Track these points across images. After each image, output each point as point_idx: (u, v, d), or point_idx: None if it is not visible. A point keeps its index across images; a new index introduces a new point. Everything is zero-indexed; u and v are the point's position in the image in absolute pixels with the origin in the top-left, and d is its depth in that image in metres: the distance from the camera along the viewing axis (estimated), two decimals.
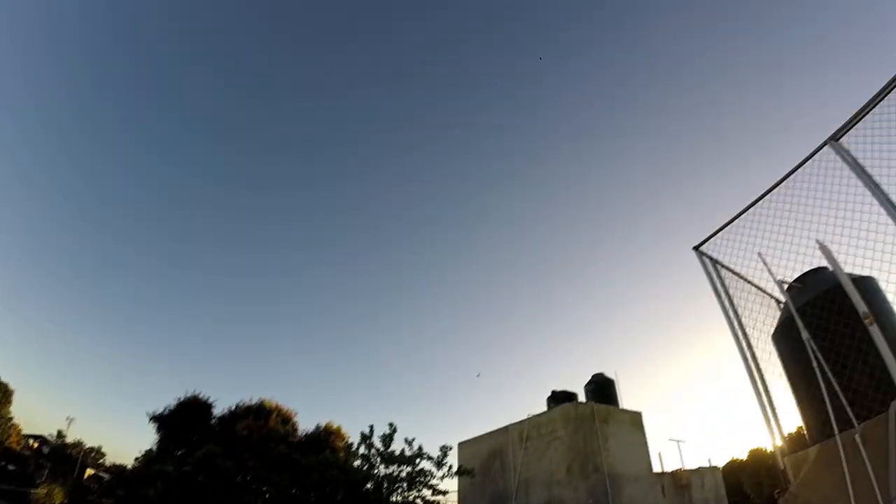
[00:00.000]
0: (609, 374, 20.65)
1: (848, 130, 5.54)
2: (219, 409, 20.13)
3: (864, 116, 5.29)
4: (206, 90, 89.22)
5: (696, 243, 7.70)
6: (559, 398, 20.28)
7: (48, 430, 52.10)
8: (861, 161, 5.28)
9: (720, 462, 23.77)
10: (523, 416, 19.84)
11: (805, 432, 5.78)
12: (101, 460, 53.40)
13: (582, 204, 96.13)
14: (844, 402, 5.06)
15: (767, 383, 6.38)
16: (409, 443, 15.01)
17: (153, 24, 79.76)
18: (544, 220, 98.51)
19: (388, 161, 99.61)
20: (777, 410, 6.04)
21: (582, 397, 20.17)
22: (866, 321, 4.98)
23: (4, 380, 41.05)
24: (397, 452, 14.81)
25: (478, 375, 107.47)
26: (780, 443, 5.69)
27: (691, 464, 20.03)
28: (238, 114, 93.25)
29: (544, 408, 20.19)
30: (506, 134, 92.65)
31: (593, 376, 20.65)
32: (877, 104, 5.12)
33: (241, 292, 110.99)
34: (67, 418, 69.70)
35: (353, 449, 15.18)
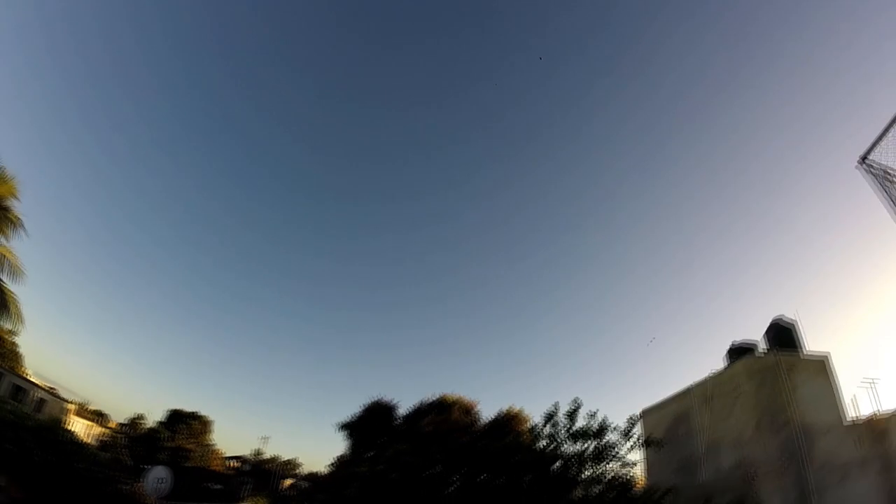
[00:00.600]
0: (788, 317, 18.91)
1: None
2: (402, 410, 21.74)
3: None
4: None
5: (860, 156, 6.75)
6: (739, 352, 19.17)
7: (246, 451, 60.15)
8: None
9: None
10: (704, 376, 19.09)
11: None
12: (296, 471, 59.90)
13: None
14: None
15: None
16: (593, 416, 14.86)
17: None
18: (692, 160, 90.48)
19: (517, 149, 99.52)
20: None
21: (762, 347, 18.79)
22: None
23: (204, 413, 48.92)
24: (582, 428, 14.75)
25: (651, 340, 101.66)
26: None
27: (889, 406, 17.50)
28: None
29: (724, 364, 19.22)
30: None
31: (772, 322, 19.11)
32: None
33: (406, 300, 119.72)
34: (262, 437, 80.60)
35: (538, 430, 15.59)
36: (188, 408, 48.12)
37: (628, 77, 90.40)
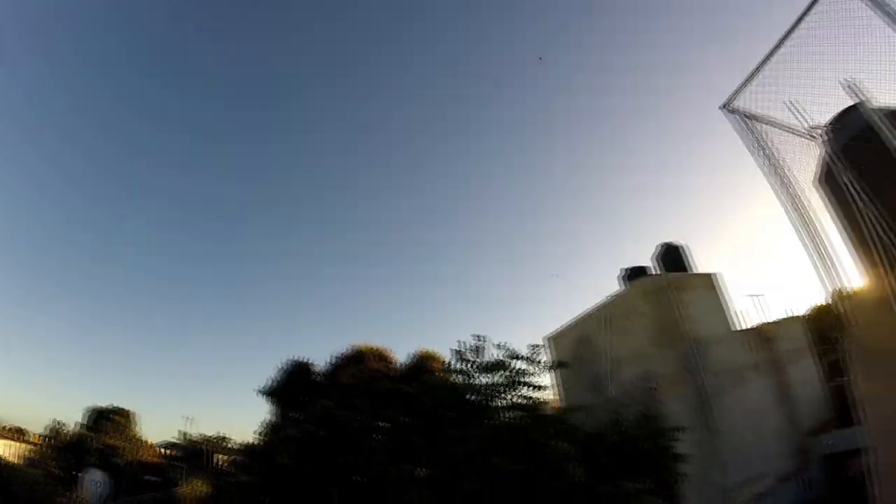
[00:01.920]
0: (676, 241, 20.54)
1: None
2: (318, 367, 21.51)
3: None
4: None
5: (722, 103, 7.46)
6: (632, 274, 20.50)
7: (171, 435, 57.67)
8: None
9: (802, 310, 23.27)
10: (602, 299, 20.29)
11: (865, 277, 5.82)
12: (227, 445, 58.62)
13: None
14: (890, 242, 5.05)
15: (818, 229, 6.29)
16: (500, 347, 15.50)
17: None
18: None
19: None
20: (832, 257, 6.02)
21: (654, 269, 20.28)
22: None
23: (125, 406, 46.07)
24: (485, 359, 15.11)
25: (554, 275, 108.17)
26: (836, 287, 5.75)
27: (773, 317, 19.98)
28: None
29: (620, 288, 20.53)
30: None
31: (661, 245, 20.60)
32: None
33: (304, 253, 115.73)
34: (187, 418, 77.06)
35: (451, 367, 15.90)
36: (100, 402, 44.87)
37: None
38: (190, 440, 56.61)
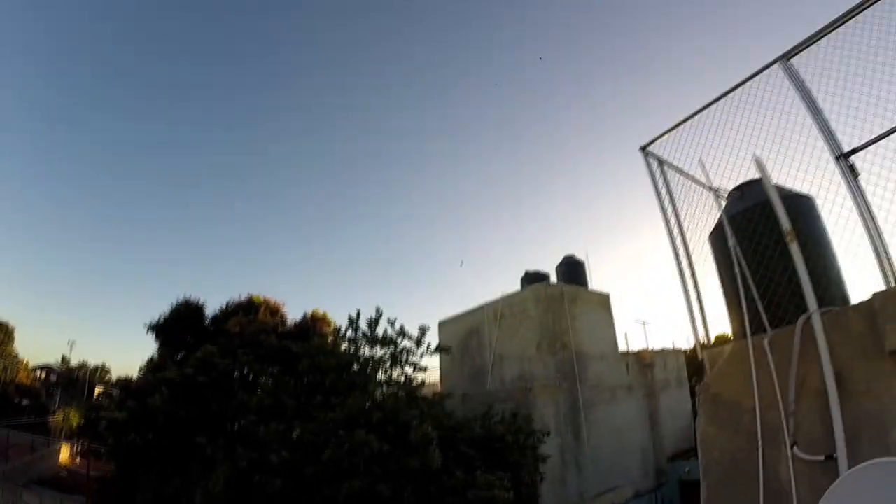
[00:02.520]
0: (580, 256, 21.55)
1: (800, 51, 5.51)
2: (210, 310, 20.78)
3: (818, 40, 5.26)
4: None
5: (643, 144, 7.84)
6: (532, 279, 21.27)
7: (52, 358, 53.30)
8: (808, 84, 5.33)
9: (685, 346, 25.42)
10: (498, 296, 20.92)
11: (731, 333, 6.41)
12: (107, 377, 55.18)
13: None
14: (761, 308, 5.57)
15: (699, 281, 6.83)
16: (392, 323, 15.57)
17: None
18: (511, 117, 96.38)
19: None
20: (705, 308, 6.60)
21: (554, 278, 21.18)
22: (787, 238, 5.30)
23: (3, 319, 41.78)
24: (377, 333, 15.38)
25: (461, 264, 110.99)
26: (702, 337, 6.29)
27: (656, 346, 21.67)
28: None
29: (518, 289, 21.25)
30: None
31: (564, 258, 21.55)
32: (834, 29, 5.10)
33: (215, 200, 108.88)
34: (69, 342, 71.06)
35: (341, 334, 15.87)
36: None
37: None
38: (69, 367, 52.44)
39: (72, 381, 48.27)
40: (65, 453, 28.22)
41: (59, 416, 34.47)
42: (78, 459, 28.56)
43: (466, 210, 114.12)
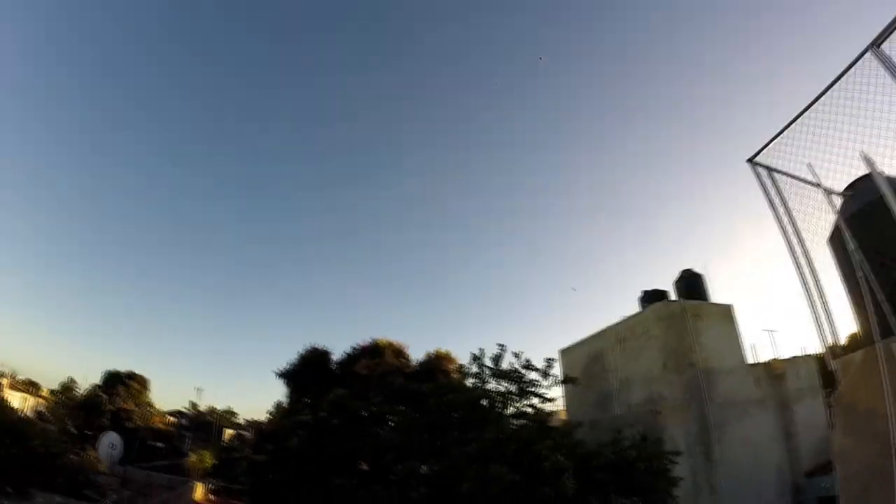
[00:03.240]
0: (698, 269, 20.58)
1: (888, 36, 5.37)
2: (336, 356, 22.23)
3: None
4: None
5: (749, 156, 7.74)
6: (651, 297, 20.62)
7: (182, 405, 59.04)
8: None
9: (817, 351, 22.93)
10: (618, 319, 20.47)
11: (860, 337, 6.09)
12: (234, 420, 59.83)
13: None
14: (888, 311, 5.32)
15: (822, 286, 6.55)
16: (518, 356, 15.79)
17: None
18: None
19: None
20: (832, 314, 6.30)
21: (673, 295, 20.37)
22: None
23: (140, 371, 47.71)
24: (501, 367, 15.67)
25: (574, 290, 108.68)
26: (829, 343, 6.03)
27: (786, 354, 19.89)
28: None
29: (637, 309, 20.67)
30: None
31: (682, 272, 20.71)
32: None
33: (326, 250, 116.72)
34: (196, 389, 78.58)
35: (467, 370, 16.36)
36: (115, 365, 46.72)
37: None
38: (199, 411, 58.03)
39: (201, 424, 52.49)
40: (200, 491, 30.73)
41: (193, 458, 37.59)
42: (212, 497, 31.13)
43: (577, 234, 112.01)
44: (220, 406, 61.47)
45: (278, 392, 21.96)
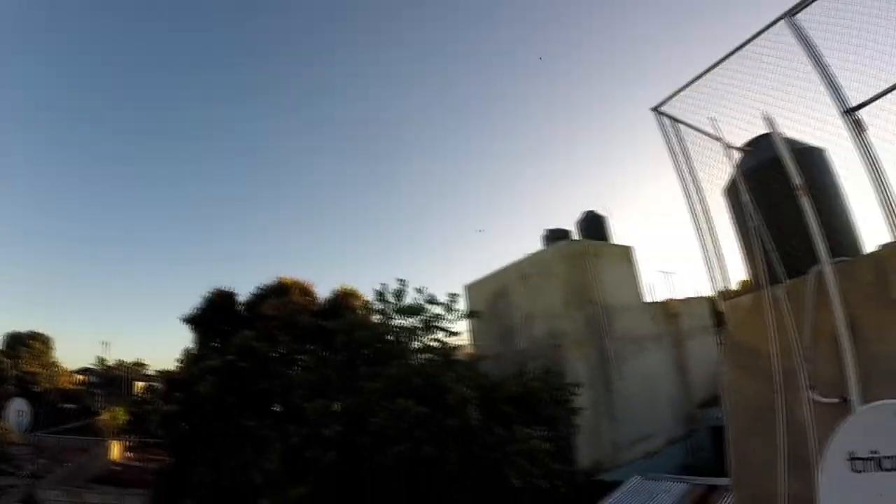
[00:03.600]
0: (600, 210, 21.59)
1: (804, 7, 5.55)
2: (242, 297, 21.38)
3: None
4: None
5: (655, 105, 7.92)
6: (554, 236, 21.45)
7: (89, 361, 55.06)
8: (813, 40, 5.39)
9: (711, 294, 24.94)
10: (522, 256, 21.17)
11: (750, 283, 6.67)
12: (145, 372, 56.89)
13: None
14: (776, 259, 5.82)
15: (716, 234, 7.03)
16: (420, 291, 16.07)
17: None
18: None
19: None
20: (724, 260, 6.82)
21: (576, 235, 21.31)
22: (799, 191, 5.49)
23: (41, 330, 43.74)
24: (405, 302, 16.01)
25: (480, 231, 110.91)
26: (721, 287, 6.55)
27: (681, 295, 21.71)
28: None
29: (541, 246, 21.45)
30: None
31: (584, 213, 21.60)
32: None
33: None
34: (103, 343, 73.43)
35: (371, 307, 16.43)
36: (12, 325, 42.57)
37: None
38: (107, 366, 54.33)
39: (112, 380, 50.05)
40: (116, 450, 29.67)
41: (106, 415, 36.09)
42: (129, 454, 30.14)
43: (481, 173, 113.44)
44: (130, 359, 58.02)
45: (188, 339, 20.83)
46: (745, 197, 6.31)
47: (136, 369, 56.38)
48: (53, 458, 26.54)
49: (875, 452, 3.28)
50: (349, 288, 21.92)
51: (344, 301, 20.76)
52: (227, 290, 21.39)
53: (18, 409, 32.32)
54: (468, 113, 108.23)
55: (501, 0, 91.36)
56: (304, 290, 21.33)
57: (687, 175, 7.54)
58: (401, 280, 16.07)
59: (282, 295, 20.24)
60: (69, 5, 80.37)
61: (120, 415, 35.56)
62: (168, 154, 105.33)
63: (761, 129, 6.59)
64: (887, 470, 3.19)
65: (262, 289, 21.27)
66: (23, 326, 45.35)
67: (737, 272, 7.53)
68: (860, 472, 3.33)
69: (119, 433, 32.84)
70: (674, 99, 7.59)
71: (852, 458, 3.38)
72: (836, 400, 4.34)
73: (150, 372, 56.45)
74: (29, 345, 42.22)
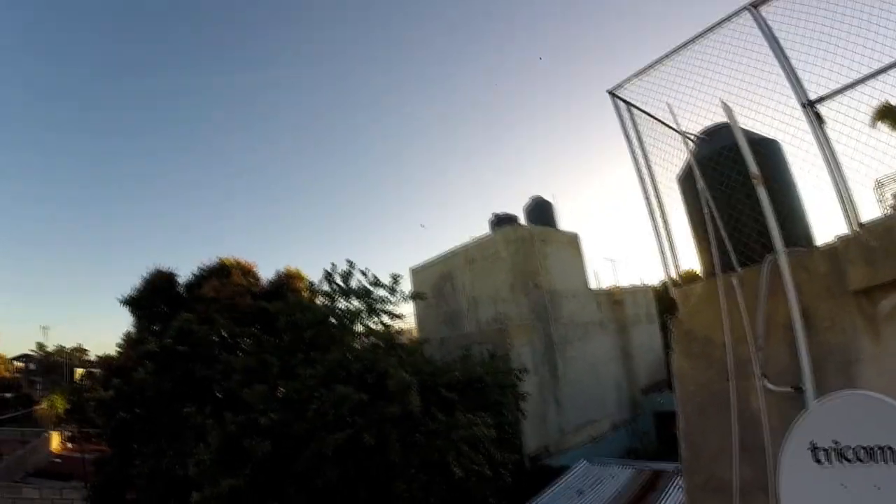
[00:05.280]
0: (547, 197, 21.77)
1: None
2: (182, 279, 20.40)
3: None
4: None
5: (610, 88, 7.85)
6: (501, 221, 21.50)
7: (27, 347, 51.22)
8: (776, 32, 5.36)
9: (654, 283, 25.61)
10: (468, 240, 21.14)
11: (700, 271, 6.72)
12: (85, 357, 53.49)
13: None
14: (730, 247, 5.84)
15: (669, 222, 7.04)
16: (365, 274, 15.71)
17: None
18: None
19: None
20: (675, 248, 6.85)
21: (523, 220, 21.41)
22: (754, 180, 5.50)
23: None
24: (351, 285, 15.58)
25: (422, 226, 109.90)
26: (673, 275, 6.56)
27: (626, 283, 22.29)
28: None
29: (488, 231, 21.46)
30: None
31: (532, 199, 21.73)
32: None
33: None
34: (42, 328, 68.26)
35: (317, 288, 15.90)
36: None
37: None
38: (47, 352, 50.57)
39: (51, 366, 47.10)
40: (56, 441, 28.05)
41: (45, 405, 33.92)
42: (69, 445, 28.47)
43: (431, 152, 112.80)
44: (70, 345, 54.14)
45: (128, 322, 19.60)
46: (701, 184, 6.32)
47: (77, 355, 53.14)
48: None
49: (837, 443, 3.26)
50: (293, 269, 21.26)
51: (288, 283, 20.11)
52: (166, 270, 20.30)
53: None
54: (420, 94, 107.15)
55: None
56: (246, 271, 20.56)
57: (641, 161, 7.52)
58: (349, 261, 15.62)
59: (223, 276, 19.43)
60: None
61: (59, 403, 33.51)
62: (108, 127, 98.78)
63: (718, 118, 6.62)
64: (849, 461, 3.18)
65: (203, 269, 20.36)
66: None
67: (688, 261, 7.63)
68: (821, 462, 3.31)
69: (58, 423, 30.99)
70: (630, 83, 7.53)
71: (814, 448, 3.36)
72: (789, 389, 4.36)
73: (91, 358, 53.35)
74: None
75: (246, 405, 12.26)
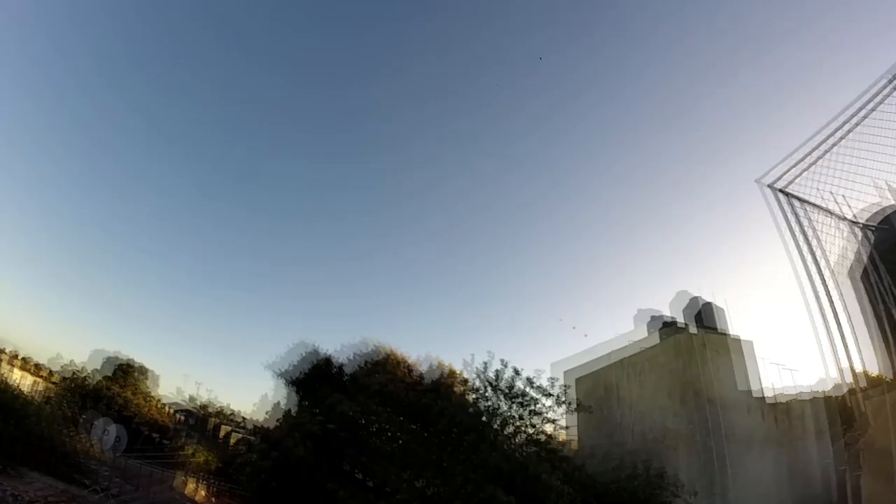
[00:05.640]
0: (706, 296, 20.23)
1: None
2: (329, 351, 21.87)
3: None
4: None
5: (759, 177, 7.45)
6: (662, 324, 20.37)
7: (179, 398, 58.51)
8: None
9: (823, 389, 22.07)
10: (624, 343, 20.15)
11: (888, 376, 5.79)
12: (232, 417, 59.06)
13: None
14: None
15: (839, 318, 6.28)
16: (518, 373, 15.76)
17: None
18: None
19: None
20: (850, 350, 6.02)
21: (681, 321, 20.03)
22: None
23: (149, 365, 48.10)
24: (505, 385, 15.70)
25: (560, 320, 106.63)
26: (852, 383, 5.77)
27: (792, 390, 19.40)
28: None
29: (632, 327, 20.37)
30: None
31: (691, 299, 20.42)
32: None
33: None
34: (196, 383, 77.56)
35: (473, 390, 16.27)
36: (105, 346, 47.20)
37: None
38: (198, 406, 57.34)
39: (199, 419, 52.07)
40: (192, 488, 30.09)
41: (198, 456, 37.06)
42: (213, 499, 30.50)
43: (571, 247, 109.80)
44: (212, 398, 61.02)
45: (262, 383, 21.73)
46: (877, 275, 5.66)
47: (226, 415, 58.28)
48: (131, 481, 27.46)
49: None
50: (444, 364, 21.82)
51: (444, 380, 20.63)
52: (321, 353, 21.75)
53: (108, 429, 34.27)
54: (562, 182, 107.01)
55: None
56: (409, 367, 21.51)
57: (806, 254, 6.90)
58: (503, 361, 15.80)
59: (387, 369, 20.32)
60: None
61: (200, 454, 36.52)
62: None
63: (886, 202, 6.00)
64: None
65: (358, 355, 21.54)
66: (110, 346, 48.85)
67: (869, 365, 6.58)
68: None
69: (199, 472, 33.52)
70: (780, 170, 7.14)
71: None
72: None
73: (236, 418, 57.96)
74: (129, 373, 45.81)
75: (386, 491, 12.50)
